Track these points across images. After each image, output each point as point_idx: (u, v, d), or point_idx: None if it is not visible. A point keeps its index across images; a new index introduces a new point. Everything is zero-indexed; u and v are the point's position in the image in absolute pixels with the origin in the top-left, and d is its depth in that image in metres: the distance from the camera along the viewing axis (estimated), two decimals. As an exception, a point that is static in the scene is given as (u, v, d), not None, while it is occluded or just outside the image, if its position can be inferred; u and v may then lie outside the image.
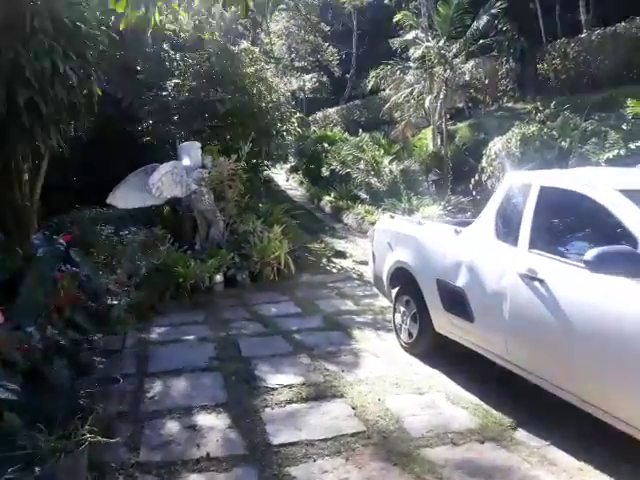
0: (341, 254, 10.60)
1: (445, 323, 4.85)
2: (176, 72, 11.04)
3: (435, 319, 4.98)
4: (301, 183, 20.18)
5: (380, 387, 4.52)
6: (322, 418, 3.97)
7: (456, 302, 4.56)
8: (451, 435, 3.71)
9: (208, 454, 3.47)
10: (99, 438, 2.93)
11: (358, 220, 13.63)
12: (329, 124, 23.99)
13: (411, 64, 14.68)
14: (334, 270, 9.51)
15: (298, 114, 12.53)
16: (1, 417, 3.03)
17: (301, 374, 4.80)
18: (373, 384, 4.59)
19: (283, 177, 20.96)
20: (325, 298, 7.70)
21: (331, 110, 24.85)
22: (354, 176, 15.64)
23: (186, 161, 8.52)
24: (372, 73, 15.36)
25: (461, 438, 3.67)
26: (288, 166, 21.08)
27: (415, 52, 14.19)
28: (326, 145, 19.90)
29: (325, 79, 28.34)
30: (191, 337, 5.84)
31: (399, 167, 14.12)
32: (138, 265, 6.19)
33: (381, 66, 14.99)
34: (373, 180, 14.29)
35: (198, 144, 8.86)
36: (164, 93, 10.62)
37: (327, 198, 16.47)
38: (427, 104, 14.00)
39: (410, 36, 14.73)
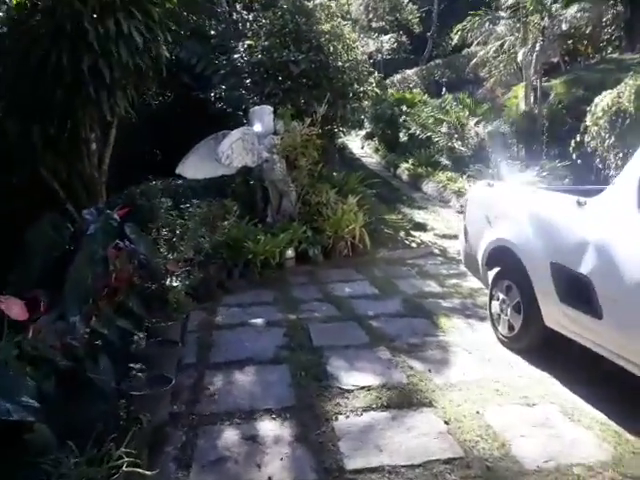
0: (421, 227, 9.66)
1: (559, 316, 3.90)
2: (249, 33, 10.33)
3: (546, 311, 4.04)
4: (376, 150, 19.12)
5: (477, 394, 3.70)
6: (407, 435, 3.23)
7: (578, 292, 3.60)
8: (577, 470, 2.85)
9: (270, 479, 2.85)
10: (137, 470, 2.35)
11: (439, 189, 12.55)
12: (407, 86, 22.49)
13: (502, 14, 13.07)
14: (413, 245, 8.61)
15: (376, 74, 11.46)
16: (31, 429, 2.54)
17: (380, 372, 4.06)
18: (468, 390, 3.77)
19: (358, 144, 19.96)
20: (404, 277, 6.88)
21: (410, 71, 23.25)
22: (435, 140, 14.47)
23: (257, 127, 7.85)
24: (457, 26, 13.85)
25: (591, 476, 2.81)
26: (363, 133, 20.05)
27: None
28: (404, 108, 18.62)
29: (404, 39, 26.63)
30: (259, 320, 5.25)
31: (486, 129, 12.80)
32: (202, 241, 5.62)
33: (468, 18, 13.46)
34: (457, 144, 13.07)
35: (270, 108, 8.15)
36: (236, 56, 9.96)
37: (405, 165, 15.39)
38: (520, 57, 12.44)
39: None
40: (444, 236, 9.03)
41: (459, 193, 11.53)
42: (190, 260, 5.14)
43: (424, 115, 14.77)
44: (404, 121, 17.97)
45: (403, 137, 16.92)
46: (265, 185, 8.10)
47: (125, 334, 3.49)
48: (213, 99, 10.41)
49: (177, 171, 7.65)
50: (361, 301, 5.83)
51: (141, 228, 4.57)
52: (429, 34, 25.29)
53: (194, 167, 7.69)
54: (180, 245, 5.10)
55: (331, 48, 10.05)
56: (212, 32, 11.54)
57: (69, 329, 3.18)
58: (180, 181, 8.13)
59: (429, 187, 13.09)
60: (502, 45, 12.92)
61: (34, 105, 6.24)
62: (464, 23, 13.68)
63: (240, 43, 10.09)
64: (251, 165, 7.79)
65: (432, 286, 6.45)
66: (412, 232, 9.33)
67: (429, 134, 15.19)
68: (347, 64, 10.33)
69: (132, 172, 8.92)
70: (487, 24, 13.00)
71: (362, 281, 6.69)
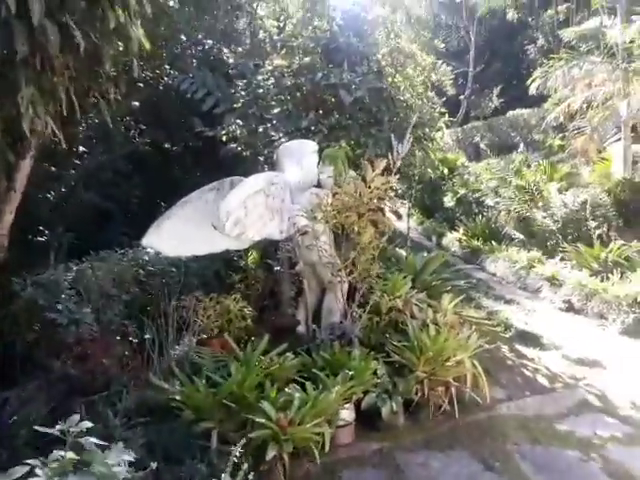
0: (530, 338, 5.89)
1: None
2: (279, 50, 7.03)
3: None
4: (408, 214, 15.60)
5: None
6: None
7: None
8: None
9: None
10: None
11: (516, 271, 8.83)
12: (439, 149, 19.28)
13: (594, 58, 9.79)
14: (541, 380, 4.81)
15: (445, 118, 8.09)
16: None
17: None
18: None
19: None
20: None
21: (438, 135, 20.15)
22: (500, 208, 10.89)
23: (292, 173, 4.31)
24: (535, 73, 10.61)
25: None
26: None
27: (604, 40, 9.32)
28: (445, 171, 15.29)
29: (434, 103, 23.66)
30: None
31: (578, 198, 9.20)
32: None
33: (550, 62, 10.20)
34: (538, 215, 9.43)
35: (313, 145, 4.64)
36: (259, 77, 6.58)
37: (454, 235, 11.80)
38: (623, 112, 9.01)
39: (592, 24, 9.87)
40: (580, 361, 5.24)
41: (554, 282, 7.82)
42: None
43: (485, 176, 11.27)
44: (444, 184, 14.66)
45: (450, 201, 13.42)
46: (298, 272, 4.44)
47: None
48: (224, 138, 6.94)
49: (145, 242, 4.04)
50: None
51: None
52: (463, 96, 22.39)
53: (176, 236, 4.09)
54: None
55: (395, 76, 6.70)
56: (229, 59, 8.30)
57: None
58: (147, 256, 4.52)
59: (498, 267, 9.39)
60: (592, 96, 9.54)
61: None
62: (544, 68, 10.41)
63: (267, 62, 6.74)
64: (277, 237, 4.19)
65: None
66: (519, 347, 5.61)
67: (484, 200, 11.71)
68: (414, 99, 6.97)
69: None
70: (575, 69, 9.69)
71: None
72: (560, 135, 15.08)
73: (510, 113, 18.28)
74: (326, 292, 4.43)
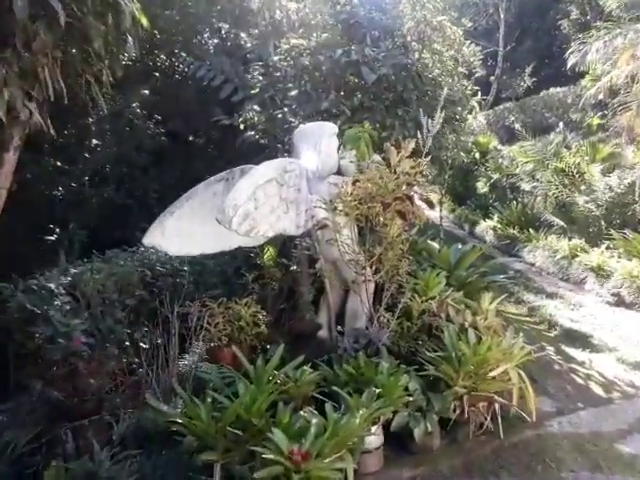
0: (578, 338, 5.27)
1: None
2: (296, 29, 6.48)
3: None
4: (439, 202, 14.86)
5: None
6: None
7: None
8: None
9: None
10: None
11: (557, 260, 8.11)
12: (470, 132, 18.39)
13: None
14: (596, 389, 4.18)
15: (474, 103, 7.37)
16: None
17: None
18: None
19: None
20: None
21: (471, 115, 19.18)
22: (537, 193, 10.12)
23: (308, 159, 3.79)
24: (573, 46, 9.71)
25: None
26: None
27: None
28: (477, 155, 14.53)
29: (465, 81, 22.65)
30: None
31: (625, 180, 8.38)
32: None
33: (590, 33, 9.31)
34: (580, 199, 8.65)
35: (332, 127, 4.08)
36: (275, 58, 6.05)
37: (487, 223, 11.08)
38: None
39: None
40: (637, 365, 4.59)
41: (601, 273, 7.09)
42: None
43: (521, 158, 10.48)
44: (476, 169, 13.88)
45: (483, 187, 12.66)
46: (318, 270, 3.94)
47: None
48: (242, 125, 6.46)
49: (146, 241, 3.60)
50: None
51: None
52: (493, 77, 21.31)
53: (181, 234, 3.64)
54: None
55: (422, 51, 6.07)
56: (247, 43, 7.79)
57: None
58: (154, 256, 4.10)
59: (537, 256, 8.67)
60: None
61: None
62: (582, 40, 9.52)
63: (283, 41, 6.19)
64: (293, 232, 3.68)
65: None
66: (565, 348, 5.00)
67: (520, 185, 10.93)
68: (443, 77, 6.33)
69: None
70: (619, 38, 8.78)
71: None
72: (600, 114, 14.06)
73: (544, 92, 17.21)
74: (349, 293, 3.91)
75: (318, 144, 3.83)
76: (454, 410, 3.17)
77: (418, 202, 3.53)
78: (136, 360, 3.15)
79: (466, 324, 3.58)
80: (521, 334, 3.97)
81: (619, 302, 6.44)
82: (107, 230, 6.59)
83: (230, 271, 4.62)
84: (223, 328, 3.33)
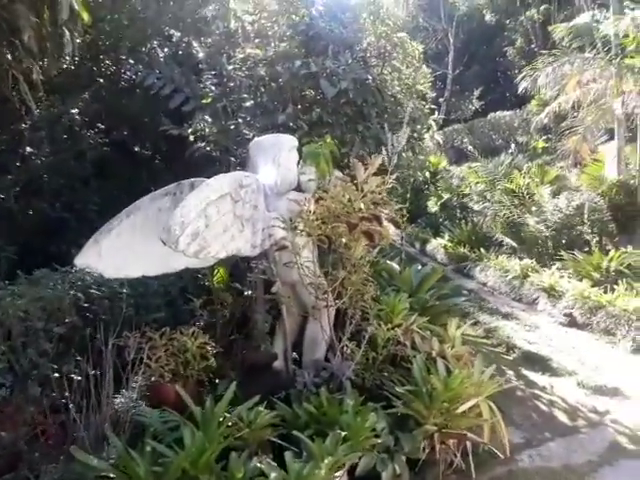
0: (537, 361, 5.17)
1: None
2: (252, 39, 6.17)
3: None
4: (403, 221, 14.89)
5: None
6: None
7: None
8: None
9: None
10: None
11: (509, 280, 8.14)
12: (426, 151, 18.73)
13: (587, 55, 9.21)
14: (561, 417, 4.04)
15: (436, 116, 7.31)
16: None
17: None
18: None
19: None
20: None
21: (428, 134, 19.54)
22: (487, 213, 10.23)
23: (267, 173, 3.46)
24: (525, 69, 9.96)
25: None
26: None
27: (597, 34, 8.76)
28: (427, 174, 14.70)
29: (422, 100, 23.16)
30: None
31: (572, 202, 8.58)
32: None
33: (539, 60, 9.58)
34: (531, 220, 8.77)
35: (292, 139, 3.77)
36: (230, 67, 5.72)
37: (438, 241, 11.17)
38: (617, 110, 8.43)
39: (583, 19, 9.33)
40: (599, 389, 4.50)
41: (552, 293, 7.14)
42: None
43: (472, 179, 10.61)
44: (427, 188, 14.06)
45: (433, 206, 12.76)
46: (274, 295, 3.59)
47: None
48: (192, 137, 6.05)
49: (79, 262, 3.14)
50: None
51: None
52: (442, 99, 21.86)
53: (119, 254, 3.21)
54: None
55: (383, 67, 5.93)
56: (198, 53, 7.39)
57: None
58: (89, 276, 3.64)
59: (488, 276, 8.68)
60: (587, 93, 8.96)
61: None
62: (531, 67, 9.80)
63: (238, 50, 5.88)
64: (248, 254, 3.32)
65: None
66: (525, 372, 4.88)
67: (470, 204, 11.08)
68: (403, 94, 6.22)
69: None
70: (567, 65, 9.08)
71: None
72: (544, 137, 14.60)
73: (491, 115, 17.81)
74: (308, 320, 3.58)
75: (277, 157, 3.52)
76: (423, 449, 2.89)
77: (385, 222, 3.28)
78: (62, 401, 2.67)
79: (433, 353, 3.33)
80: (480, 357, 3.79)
81: (572, 323, 6.46)
82: (41, 246, 5.96)
83: (175, 292, 4.20)
84: (166, 363, 2.91)
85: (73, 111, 6.55)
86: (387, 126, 4.67)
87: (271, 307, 3.62)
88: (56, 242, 6.09)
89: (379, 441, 2.68)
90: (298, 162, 3.74)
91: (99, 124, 7.26)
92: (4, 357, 2.82)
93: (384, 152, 3.57)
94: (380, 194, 3.16)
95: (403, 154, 6.01)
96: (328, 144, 3.76)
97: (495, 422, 3.18)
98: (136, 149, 7.81)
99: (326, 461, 2.30)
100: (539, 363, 5.09)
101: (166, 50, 7.77)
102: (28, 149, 6.56)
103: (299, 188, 3.69)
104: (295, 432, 2.55)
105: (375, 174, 3.41)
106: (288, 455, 2.37)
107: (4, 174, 6.08)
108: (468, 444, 3.09)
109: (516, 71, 19.25)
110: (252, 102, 5.45)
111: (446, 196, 12.59)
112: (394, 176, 3.37)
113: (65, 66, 7.26)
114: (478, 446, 3.22)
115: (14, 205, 5.99)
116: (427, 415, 2.84)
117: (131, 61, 7.41)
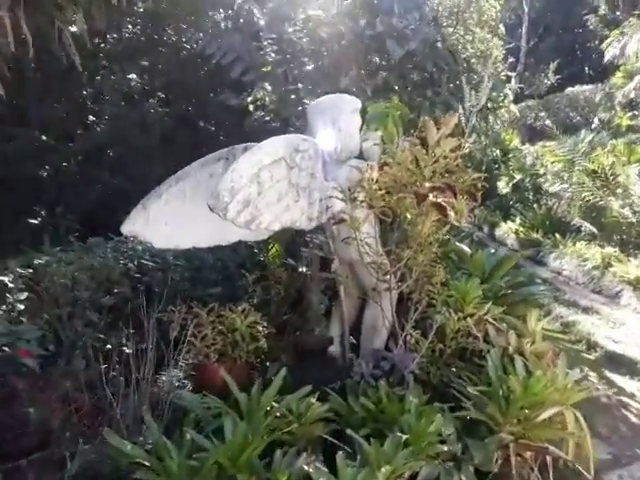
0: (624, 363, 4.54)
1: None
2: (315, -1, 5.76)
3: None
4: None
5: None
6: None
7: None
8: None
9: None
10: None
11: (588, 270, 7.35)
12: (502, 123, 17.61)
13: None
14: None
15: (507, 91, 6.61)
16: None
17: None
18: None
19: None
20: None
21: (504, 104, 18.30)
22: (566, 196, 9.34)
23: (326, 137, 3.09)
24: (612, 36, 8.89)
25: None
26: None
27: None
28: (498, 153, 13.76)
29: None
30: None
31: (666, 184, 7.60)
32: None
33: (627, 25, 8.49)
34: (615, 204, 7.89)
35: (355, 101, 3.33)
36: (290, 30, 5.35)
37: (508, 226, 10.36)
38: None
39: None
40: None
41: (639, 287, 6.35)
42: None
43: (548, 160, 9.71)
44: (497, 168, 13.10)
45: (504, 188, 11.89)
46: (331, 274, 3.24)
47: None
48: (251, 106, 5.77)
49: (126, 229, 2.93)
50: None
51: None
52: (515, 73, 20.43)
53: (168, 222, 2.97)
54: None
55: (455, 27, 5.35)
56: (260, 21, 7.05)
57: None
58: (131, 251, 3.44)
59: (564, 264, 7.91)
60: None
61: None
62: (621, 29, 8.70)
63: (299, 11, 5.49)
64: (304, 227, 2.98)
65: None
66: (610, 374, 4.29)
67: (547, 186, 10.16)
68: (477, 58, 5.61)
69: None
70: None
71: None
72: (630, 114, 13.22)
73: (569, 90, 16.36)
74: (368, 303, 3.22)
75: (337, 121, 3.13)
76: (496, 461, 2.48)
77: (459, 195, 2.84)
78: (101, 377, 2.49)
79: (510, 349, 2.88)
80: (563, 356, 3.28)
81: None
82: (102, 216, 5.95)
83: (233, 267, 3.96)
84: (213, 342, 2.66)
85: (132, 77, 6.43)
86: (454, 94, 4.15)
87: (327, 287, 3.28)
88: (117, 213, 6.06)
89: (445, 449, 2.29)
90: (361, 127, 3.34)
91: (160, 94, 7.16)
92: (46, 326, 2.67)
93: (460, 111, 3.10)
94: (455, 160, 2.71)
95: (474, 126, 5.47)
96: (397, 105, 3.31)
97: (582, 437, 2.70)
98: (200, 123, 7.68)
99: (383, 469, 1.95)
100: (626, 365, 4.47)
101: (227, 18, 7.51)
102: (90, 117, 6.56)
103: (361, 155, 3.29)
104: (349, 431, 2.21)
105: (450, 136, 2.96)
106: (340, 457, 2.04)
107: (67, 142, 6.09)
108: (548, 458, 2.64)
109: (596, 42, 17.57)
110: (313, 66, 5.07)
111: (518, 177, 11.66)
112: (471, 140, 2.88)
113: (127, 35, 7.19)
114: (558, 460, 2.77)
115: (76, 173, 5.98)
116: (502, 422, 2.41)
117: (192, 30, 7.21)
